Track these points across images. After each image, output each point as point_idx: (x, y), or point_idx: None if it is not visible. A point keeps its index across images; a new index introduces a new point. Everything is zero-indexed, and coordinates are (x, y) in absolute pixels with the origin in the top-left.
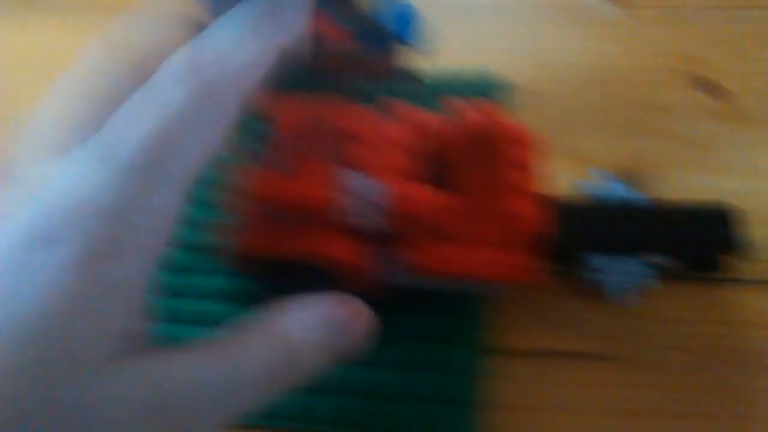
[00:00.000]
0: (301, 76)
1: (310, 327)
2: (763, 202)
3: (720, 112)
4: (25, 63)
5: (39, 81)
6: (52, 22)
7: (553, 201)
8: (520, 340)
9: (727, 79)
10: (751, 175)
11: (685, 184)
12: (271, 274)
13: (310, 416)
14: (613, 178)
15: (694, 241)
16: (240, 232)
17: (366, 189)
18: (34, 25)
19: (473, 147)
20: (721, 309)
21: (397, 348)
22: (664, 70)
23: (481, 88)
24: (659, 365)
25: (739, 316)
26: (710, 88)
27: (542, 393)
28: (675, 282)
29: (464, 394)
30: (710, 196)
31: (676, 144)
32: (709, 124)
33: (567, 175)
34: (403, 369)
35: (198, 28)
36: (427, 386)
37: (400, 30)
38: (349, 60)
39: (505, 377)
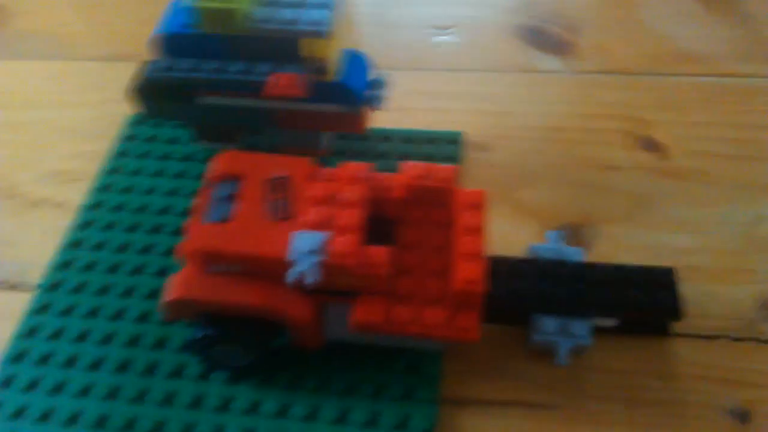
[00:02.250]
0: (256, 133)
1: None
2: (697, 256)
3: (661, 171)
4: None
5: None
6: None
7: (504, 263)
8: (466, 392)
9: (670, 140)
10: (692, 232)
11: (631, 239)
12: (208, 323)
13: None
14: (563, 237)
15: (643, 307)
16: (182, 281)
17: (307, 244)
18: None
19: (429, 210)
20: (656, 361)
21: (360, 406)
22: (613, 131)
23: (440, 145)
24: (598, 416)
25: (673, 368)
26: (653, 147)
27: None
28: (611, 335)
29: None
30: (654, 251)
31: (622, 201)
32: (651, 183)
33: (519, 229)
34: (365, 427)
35: None
36: None
37: (354, 84)
38: (302, 114)
39: (452, 427)
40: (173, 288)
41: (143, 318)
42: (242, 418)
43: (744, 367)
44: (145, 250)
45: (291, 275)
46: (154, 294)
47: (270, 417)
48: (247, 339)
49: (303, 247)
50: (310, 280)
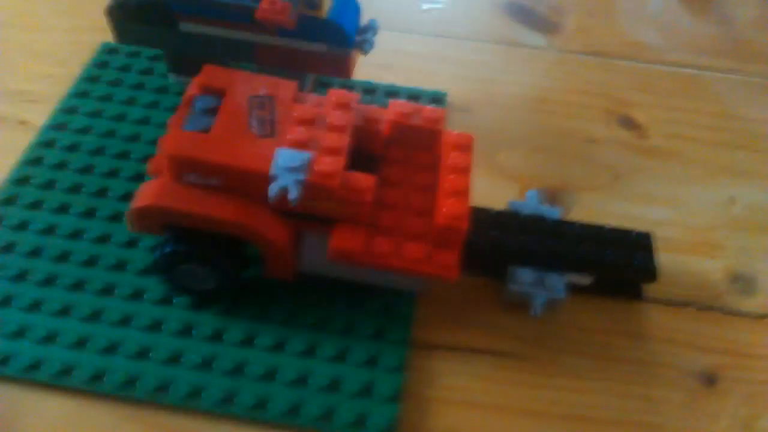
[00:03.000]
0: (243, 54)
1: None
2: (671, 229)
3: (639, 148)
4: None
5: None
6: None
7: (484, 213)
8: (438, 336)
9: (648, 121)
10: (666, 206)
11: (607, 207)
12: (177, 239)
13: (235, 402)
14: (543, 199)
15: (620, 266)
16: (155, 188)
17: (291, 160)
18: None
19: (415, 150)
20: (627, 322)
21: (329, 341)
22: (593, 107)
23: (423, 102)
24: (567, 369)
25: (643, 330)
26: (632, 126)
27: (455, 386)
28: (586, 294)
29: (390, 389)
30: (629, 220)
31: (600, 172)
32: (629, 158)
33: (499, 190)
34: (333, 361)
35: None
36: (354, 379)
37: (346, 24)
38: (289, 52)
39: (422, 370)
40: (145, 194)
41: (103, 239)
42: (203, 345)
43: (710, 335)
44: (109, 174)
45: (273, 190)
46: (115, 217)
47: (233, 345)
48: (217, 259)
49: (287, 162)
50: (292, 196)
